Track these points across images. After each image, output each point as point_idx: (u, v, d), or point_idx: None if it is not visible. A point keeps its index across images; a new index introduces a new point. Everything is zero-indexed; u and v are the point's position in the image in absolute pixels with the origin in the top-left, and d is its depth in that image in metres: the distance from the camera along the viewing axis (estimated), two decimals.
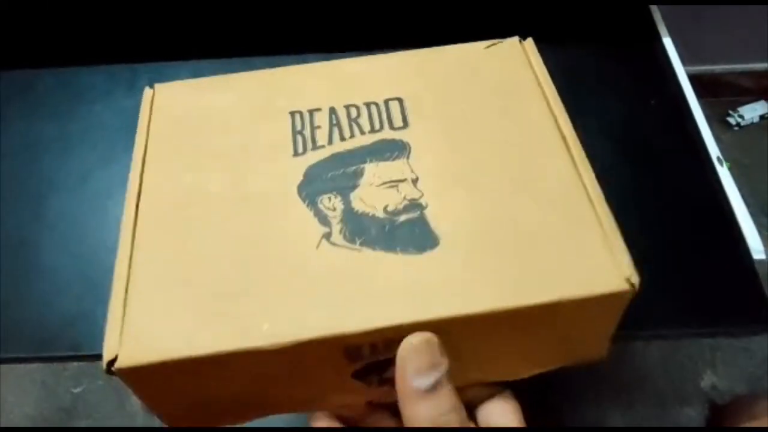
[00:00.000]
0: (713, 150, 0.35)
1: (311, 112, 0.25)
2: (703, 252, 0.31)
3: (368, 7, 0.44)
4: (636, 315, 0.28)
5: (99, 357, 0.22)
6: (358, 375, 0.21)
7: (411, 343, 0.18)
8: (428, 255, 0.20)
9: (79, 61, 0.42)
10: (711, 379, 0.30)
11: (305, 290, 0.20)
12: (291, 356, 0.19)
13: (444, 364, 0.19)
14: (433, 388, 0.18)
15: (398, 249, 0.20)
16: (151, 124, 0.27)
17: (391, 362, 0.19)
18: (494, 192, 0.22)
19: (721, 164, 0.34)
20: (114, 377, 0.20)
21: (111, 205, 0.26)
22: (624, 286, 0.19)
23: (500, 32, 0.30)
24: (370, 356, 0.20)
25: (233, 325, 0.19)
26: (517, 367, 0.23)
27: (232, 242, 0.21)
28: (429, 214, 0.21)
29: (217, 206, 0.23)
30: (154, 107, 0.27)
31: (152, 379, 0.19)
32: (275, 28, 0.45)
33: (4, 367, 0.34)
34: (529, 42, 0.30)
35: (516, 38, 0.30)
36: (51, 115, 0.35)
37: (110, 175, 0.33)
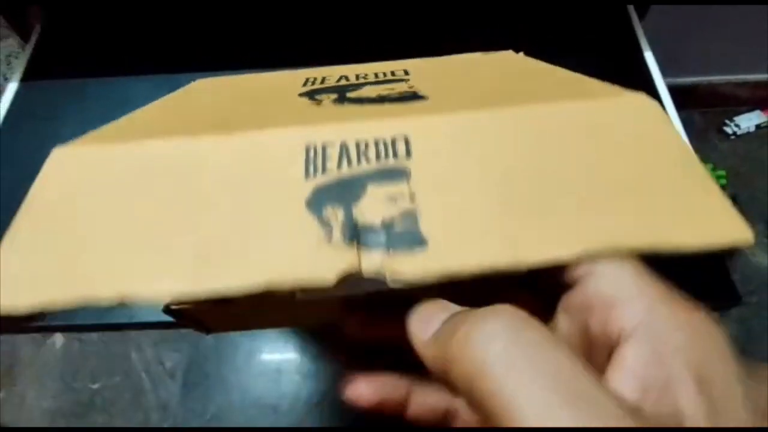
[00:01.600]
0: None
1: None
2: None
3: (377, 25, 0.48)
4: None
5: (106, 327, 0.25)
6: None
7: (413, 310, 0.18)
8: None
9: (126, 71, 0.47)
10: None
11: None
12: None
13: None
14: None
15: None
16: (182, 113, 0.29)
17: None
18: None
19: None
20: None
21: None
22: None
23: (486, 47, 0.32)
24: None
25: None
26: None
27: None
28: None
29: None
30: (186, 92, 0.31)
31: None
32: (309, 41, 0.48)
33: (24, 362, 0.35)
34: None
35: (510, 52, 0.33)
36: (98, 120, 0.41)
37: None
